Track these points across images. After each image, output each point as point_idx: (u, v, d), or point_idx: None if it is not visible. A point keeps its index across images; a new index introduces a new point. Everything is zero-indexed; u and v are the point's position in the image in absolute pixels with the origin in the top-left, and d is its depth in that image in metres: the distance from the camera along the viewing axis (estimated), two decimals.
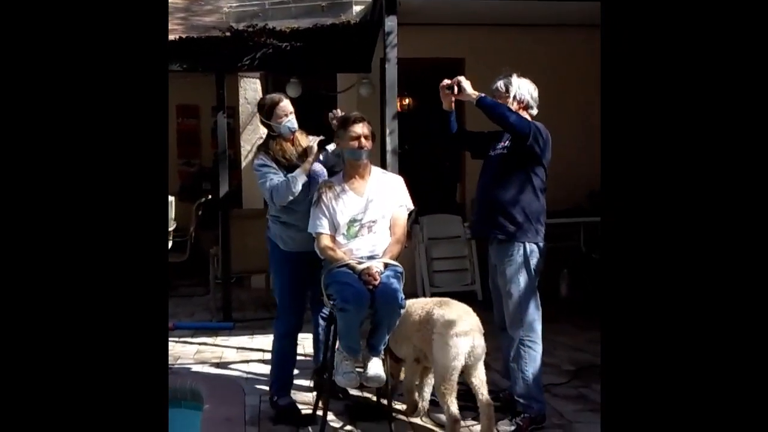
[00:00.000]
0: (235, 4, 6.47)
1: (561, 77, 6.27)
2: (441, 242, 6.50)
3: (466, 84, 3.57)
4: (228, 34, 5.49)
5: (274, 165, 3.59)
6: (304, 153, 3.70)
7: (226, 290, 5.94)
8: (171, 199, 7.70)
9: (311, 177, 3.59)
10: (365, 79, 6.27)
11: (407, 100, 7.20)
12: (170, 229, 7.47)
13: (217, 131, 6.01)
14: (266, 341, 5.17)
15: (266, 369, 4.41)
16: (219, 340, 5.31)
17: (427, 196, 6.51)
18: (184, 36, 5.66)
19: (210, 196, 7.45)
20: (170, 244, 7.41)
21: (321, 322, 3.87)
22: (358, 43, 5.49)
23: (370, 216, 3.44)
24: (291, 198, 3.51)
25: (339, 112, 3.77)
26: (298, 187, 3.51)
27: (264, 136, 6.71)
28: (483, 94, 3.54)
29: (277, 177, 3.56)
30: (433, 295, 5.85)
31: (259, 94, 6.88)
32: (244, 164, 6.99)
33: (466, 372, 3.28)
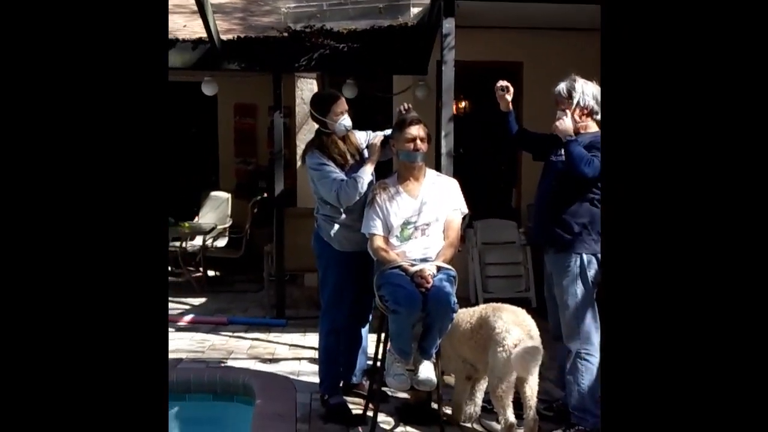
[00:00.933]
0: (293, 5, 6.57)
1: None
2: (495, 247, 6.44)
3: (563, 122, 3.46)
4: (286, 34, 5.57)
5: (332, 163, 3.59)
6: (358, 152, 3.71)
7: (279, 287, 6.01)
8: (227, 196, 7.85)
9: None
10: (421, 81, 6.26)
11: (463, 103, 7.17)
12: (226, 225, 7.62)
13: (274, 131, 6.08)
14: (318, 339, 5.22)
15: (317, 367, 4.46)
16: (272, 336, 5.38)
17: (482, 200, 6.46)
18: (242, 36, 5.75)
19: (265, 194, 7.56)
20: (226, 240, 7.56)
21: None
22: (415, 45, 5.50)
23: (423, 218, 3.43)
24: (358, 198, 3.51)
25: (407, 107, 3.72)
26: (365, 186, 3.51)
27: None
28: (573, 138, 3.42)
29: (339, 176, 3.55)
30: (485, 301, 5.80)
31: None
32: (299, 163, 7.06)
33: (519, 379, 3.23)
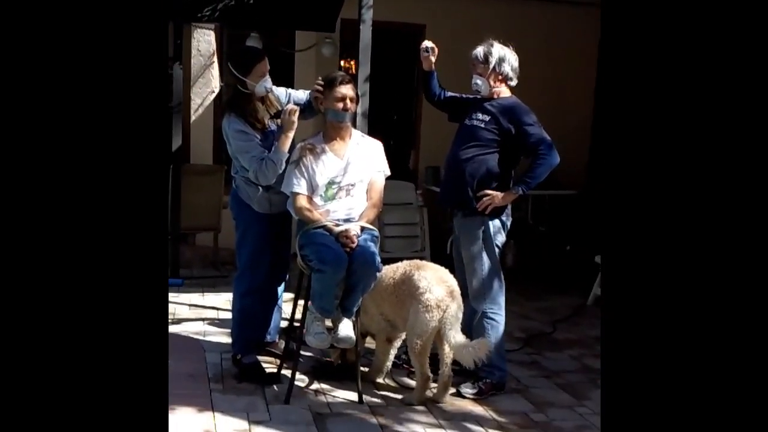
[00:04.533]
0: None
1: (518, 50, 6.33)
2: (393, 208, 6.52)
3: (502, 196, 3.54)
4: None
5: (251, 130, 3.44)
6: (277, 115, 3.61)
7: (175, 247, 5.79)
8: None
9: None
10: (328, 39, 6.17)
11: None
12: None
13: (173, 83, 5.78)
14: (218, 299, 5.13)
15: (223, 327, 4.39)
16: (169, 296, 5.19)
17: None
18: None
19: None
20: None
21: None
22: (324, 1, 5.40)
23: (348, 179, 3.42)
24: (275, 178, 3.41)
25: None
26: (284, 164, 3.39)
27: (216, 90, 6.62)
28: (520, 190, 3.54)
29: (258, 152, 3.40)
30: (383, 260, 5.89)
31: (213, 47, 6.65)
32: (193, 118, 6.77)
33: (439, 336, 3.34)
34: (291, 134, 3.40)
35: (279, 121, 3.54)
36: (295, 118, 3.40)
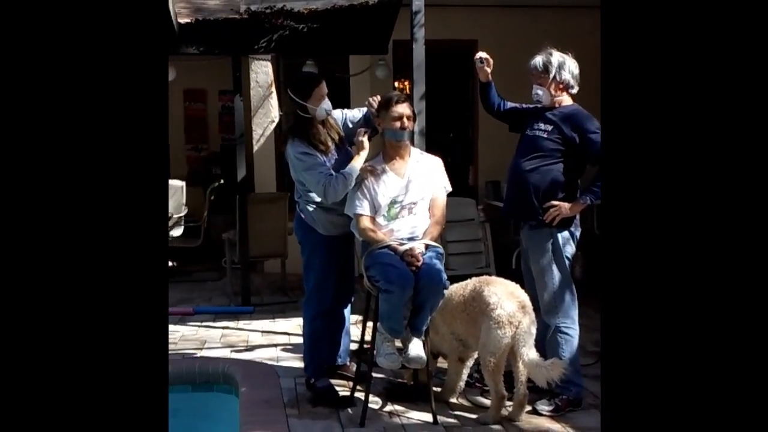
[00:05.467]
0: None
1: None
2: (455, 225, 6.47)
3: (570, 206, 3.46)
4: (246, 16, 5.42)
5: (315, 152, 3.50)
6: (338, 135, 3.66)
7: (245, 275, 5.91)
8: (181, 184, 7.65)
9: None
10: (381, 61, 6.23)
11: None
12: (182, 214, 7.43)
13: (234, 115, 5.95)
14: (289, 325, 5.20)
15: (295, 352, 4.44)
16: (241, 324, 5.30)
17: None
18: (200, 18, 5.58)
19: (222, 181, 7.40)
20: (182, 229, 7.37)
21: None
22: (376, 24, 5.46)
23: (410, 197, 3.42)
24: (344, 194, 3.44)
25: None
26: (353, 182, 3.41)
27: (276, 120, 6.76)
28: (588, 200, 3.45)
29: (326, 169, 3.45)
30: (448, 278, 5.85)
31: (271, 77, 6.82)
32: (256, 148, 6.93)
33: (513, 352, 3.29)
34: (364, 154, 3.46)
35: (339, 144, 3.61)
36: (366, 138, 3.46)
